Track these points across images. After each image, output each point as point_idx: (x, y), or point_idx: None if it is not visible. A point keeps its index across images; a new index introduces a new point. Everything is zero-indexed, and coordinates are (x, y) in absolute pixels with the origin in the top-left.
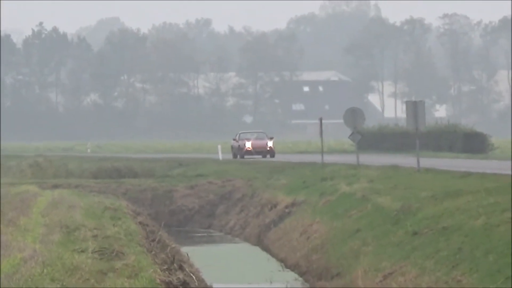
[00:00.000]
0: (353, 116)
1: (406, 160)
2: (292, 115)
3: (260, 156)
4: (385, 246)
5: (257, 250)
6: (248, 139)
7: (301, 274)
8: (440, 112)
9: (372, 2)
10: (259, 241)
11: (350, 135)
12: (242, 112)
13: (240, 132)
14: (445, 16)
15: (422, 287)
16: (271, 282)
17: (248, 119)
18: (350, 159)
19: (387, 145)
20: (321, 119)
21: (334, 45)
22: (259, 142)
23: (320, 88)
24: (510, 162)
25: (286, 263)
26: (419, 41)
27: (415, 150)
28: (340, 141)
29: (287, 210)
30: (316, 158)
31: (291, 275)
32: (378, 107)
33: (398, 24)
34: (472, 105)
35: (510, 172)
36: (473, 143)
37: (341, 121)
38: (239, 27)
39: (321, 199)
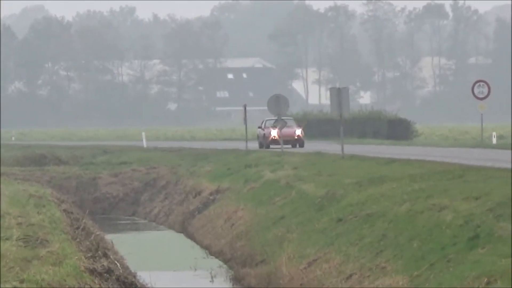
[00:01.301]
0: (277, 103)
1: (330, 147)
2: (217, 102)
3: (290, 146)
4: (309, 233)
5: (181, 237)
6: (274, 127)
7: (225, 261)
8: (365, 99)
9: None
10: (184, 228)
11: (274, 122)
12: (167, 100)
13: (266, 119)
14: (369, 2)
15: (346, 273)
16: (195, 269)
17: (173, 106)
18: (274, 146)
19: (311, 132)
20: (245, 106)
21: (258, 32)
22: (287, 130)
23: (244, 75)
24: (433, 148)
25: (210, 250)
26: (343, 27)
27: (339, 136)
28: None
29: (211, 197)
30: (241, 145)
31: (215, 262)
32: (302, 94)
33: (322, 10)
34: (396, 92)
35: (434, 159)
36: (397, 129)
37: (265, 108)
38: (163, 14)
39: (246, 186)
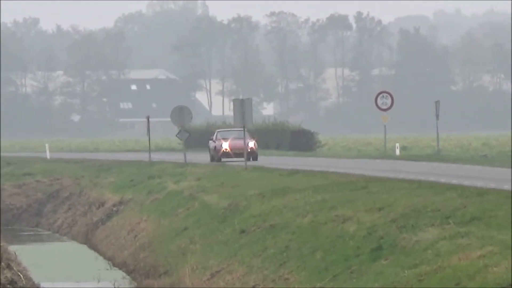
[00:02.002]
0: (181, 114)
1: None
2: (120, 113)
3: (243, 159)
4: (212, 244)
5: (84, 248)
6: (226, 139)
7: (128, 273)
8: (268, 110)
9: (199, 1)
10: (87, 240)
11: (178, 133)
12: (70, 111)
13: (217, 130)
14: (272, 14)
15: (250, 285)
16: (98, 281)
17: (76, 117)
18: (178, 157)
19: None
20: (148, 118)
21: (161, 44)
22: (238, 143)
23: (148, 87)
24: (336, 159)
25: (114, 262)
26: (247, 39)
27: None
28: (167, 139)
29: (114, 209)
30: (144, 156)
31: (118, 274)
32: (206, 105)
33: (225, 22)
34: (299, 103)
35: (337, 170)
36: (301, 140)
37: (169, 119)
38: (67, 25)
39: (149, 197)
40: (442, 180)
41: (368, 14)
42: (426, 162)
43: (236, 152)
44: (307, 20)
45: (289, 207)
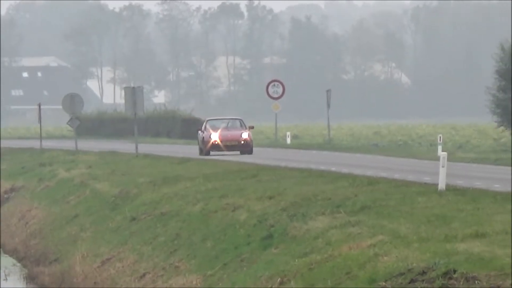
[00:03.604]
0: (72, 102)
1: (125, 146)
2: (11, 100)
3: (238, 153)
4: (103, 231)
5: None
6: (216, 129)
7: (19, 260)
8: (159, 98)
9: None
10: None
11: (69, 121)
12: None
13: (207, 119)
14: (164, 2)
15: (140, 272)
16: None
17: None
18: (69, 144)
19: (106, 131)
20: (39, 105)
21: (53, 31)
22: (230, 133)
23: (39, 74)
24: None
25: (4, 249)
26: (138, 27)
27: (133, 135)
28: (59, 127)
29: (6, 196)
30: (35, 143)
31: (9, 261)
32: (97, 93)
33: (117, 10)
34: (190, 91)
35: (228, 158)
36: (192, 129)
37: (60, 107)
38: None
39: (40, 184)
40: (333, 169)
41: (259, 3)
42: (317, 151)
43: (227, 145)
44: (198, 8)
45: (179, 195)
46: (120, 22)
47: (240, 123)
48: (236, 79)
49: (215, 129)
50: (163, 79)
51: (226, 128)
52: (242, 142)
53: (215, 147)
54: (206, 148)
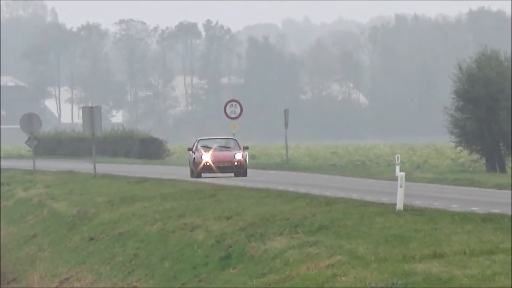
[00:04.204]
0: (30, 121)
1: (83, 166)
2: None
3: (228, 175)
4: (61, 251)
5: None
6: (208, 149)
7: None
8: (117, 118)
9: (49, 7)
10: None
11: (27, 141)
12: None
13: (199, 138)
14: (122, 21)
15: None
16: None
17: None
18: (27, 164)
19: (64, 151)
20: None
21: (11, 51)
22: (223, 154)
23: None
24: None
25: None
26: (96, 46)
27: (91, 155)
28: (17, 146)
29: None
30: None
31: None
32: (55, 112)
33: (75, 29)
34: (148, 111)
35: (186, 178)
36: (150, 148)
37: (18, 126)
38: None
39: None
40: (291, 188)
41: (217, 22)
42: (275, 171)
43: (220, 166)
44: (156, 28)
45: (137, 215)
46: (78, 41)
47: (234, 143)
48: (194, 98)
49: (207, 149)
50: (121, 98)
51: (219, 148)
52: (236, 163)
53: (207, 168)
54: (197, 169)
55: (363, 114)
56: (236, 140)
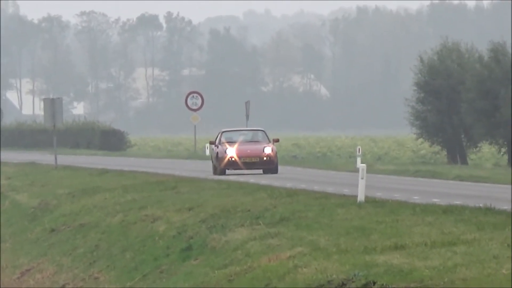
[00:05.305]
0: None
1: (44, 157)
2: None
3: (256, 172)
4: (22, 243)
5: None
6: (232, 143)
7: None
8: (78, 110)
9: (10, 0)
10: None
11: None
12: None
13: (222, 130)
14: (83, 13)
15: (60, 283)
16: None
17: None
18: None
19: (25, 142)
20: None
21: None
22: (250, 148)
23: None
24: (146, 159)
25: None
26: (57, 38)
27: (53, 147)
28: None
29: None
30: None
31: None
32: (16, 104)
33: (36, 21)
34: (109, 103)
35: (147, 170)
36: (111, 140)
37: None
38: None
39: None
40: (252, 180)
41: (178, 14)
42: None
43: (247, 162)
44: (117, 20)
45: (99, 207)
46: (39, 33)
47: (262, 135)
48: (155, 90)
49: (231, 142)
50: (82, 90)
51: (245, 141)
52: (265, 158)
53: (232, 164)
54: (221, 165)
55: (324, 106)
56: (264, 132)
